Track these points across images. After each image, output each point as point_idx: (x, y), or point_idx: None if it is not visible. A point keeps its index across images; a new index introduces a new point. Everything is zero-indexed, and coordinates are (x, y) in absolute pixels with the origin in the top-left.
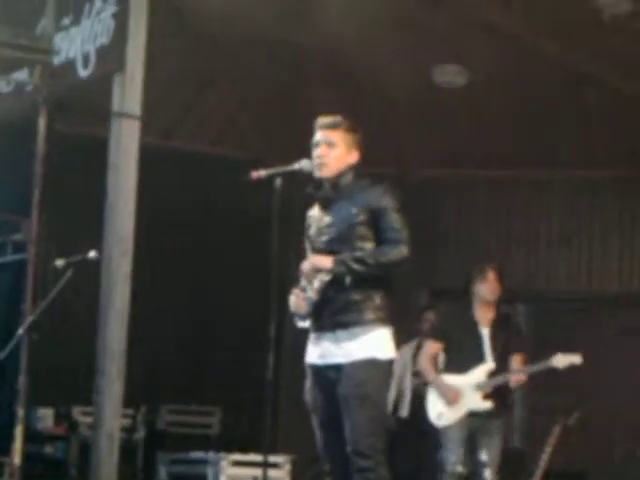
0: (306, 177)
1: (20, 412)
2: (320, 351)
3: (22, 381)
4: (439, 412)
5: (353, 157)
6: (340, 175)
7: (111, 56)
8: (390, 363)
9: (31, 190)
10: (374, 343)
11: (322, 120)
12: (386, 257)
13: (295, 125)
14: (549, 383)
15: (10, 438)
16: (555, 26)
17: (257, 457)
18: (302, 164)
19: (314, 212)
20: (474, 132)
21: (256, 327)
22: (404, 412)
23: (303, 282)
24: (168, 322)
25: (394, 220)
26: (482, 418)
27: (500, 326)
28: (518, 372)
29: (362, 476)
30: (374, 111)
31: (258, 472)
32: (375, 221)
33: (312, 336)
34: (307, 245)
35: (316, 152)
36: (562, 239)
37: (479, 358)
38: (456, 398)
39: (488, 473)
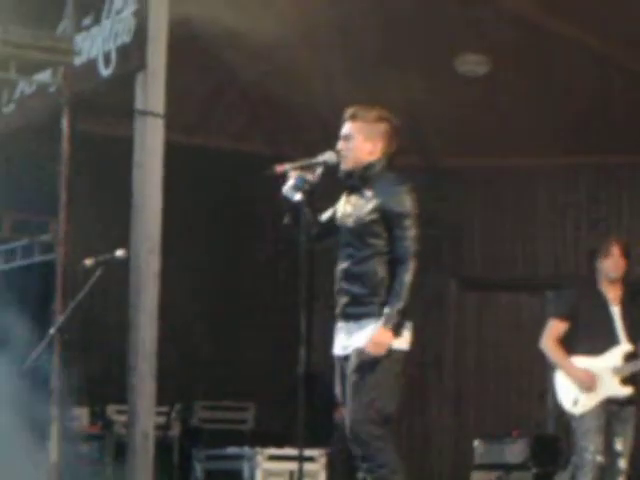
0: (330, 169)
1: (54, 411)
2: (340, 342)
3: (55, 381)
4: (574, 398)
5: (374, 147)
6: (365, 166)
7: (132, 55)
8: (397, 352)
9: (57, 191)
10: None
11: (345, 111)
12: (407, 284)
13: (319, 120)
14: None
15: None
16: (574, 9)
17: (292, 451)
18: (326, 156)
19: (343, 196)
20: (498, 121)
21: (287, 322)
22: None
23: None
24: (200, 320)
25: (408, 228)
26: (619, 404)
27: (629, 303)
28: None
29: (365, 466)
30: (398, 102)
31: (294, 466)
32: (390, 223)
33: (336, 326)
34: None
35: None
36: (589, 225)
37: (612, 339)
38: (593, 384)
39: (622, 463)
